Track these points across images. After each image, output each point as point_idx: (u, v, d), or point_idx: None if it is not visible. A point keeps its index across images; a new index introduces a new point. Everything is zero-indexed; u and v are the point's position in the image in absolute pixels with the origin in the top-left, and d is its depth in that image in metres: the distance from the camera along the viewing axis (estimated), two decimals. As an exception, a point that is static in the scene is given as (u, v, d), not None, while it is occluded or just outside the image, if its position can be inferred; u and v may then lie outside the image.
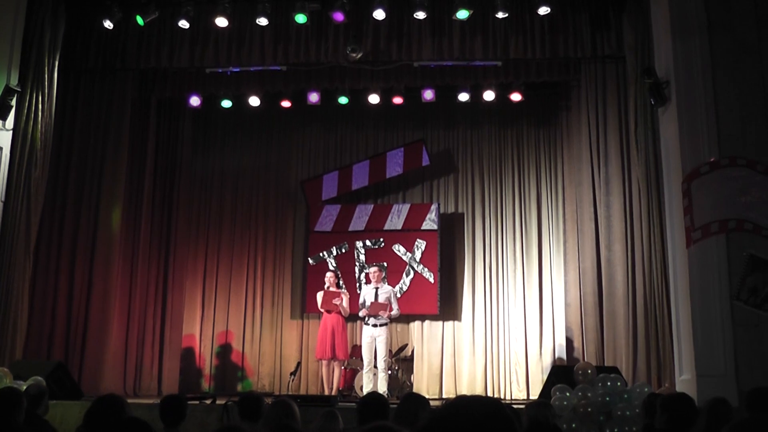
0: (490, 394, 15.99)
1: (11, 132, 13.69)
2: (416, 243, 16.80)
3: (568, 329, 15.76)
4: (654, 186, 13.41)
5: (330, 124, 17.93)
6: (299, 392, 15.81)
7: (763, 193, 10.90)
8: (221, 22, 14.28)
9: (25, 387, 8.66)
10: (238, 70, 15.69)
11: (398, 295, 15.50)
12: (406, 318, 16.32)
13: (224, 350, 17.08)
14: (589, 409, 10.27)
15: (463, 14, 14.11)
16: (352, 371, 15.34)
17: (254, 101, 16.48)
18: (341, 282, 16.13)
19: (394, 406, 6.35)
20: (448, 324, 16.74)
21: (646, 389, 10.55)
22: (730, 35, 11.62)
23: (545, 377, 13.56)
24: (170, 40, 14.92)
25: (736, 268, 10.88)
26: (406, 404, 6.61)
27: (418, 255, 16.76)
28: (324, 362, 14.64)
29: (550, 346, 16.21)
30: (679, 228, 11.66)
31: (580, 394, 10.56)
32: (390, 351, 14.89)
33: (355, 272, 16.97)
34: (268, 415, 6.27)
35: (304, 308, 16.90)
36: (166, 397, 7.16)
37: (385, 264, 16.62)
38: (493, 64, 15.41)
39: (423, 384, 16.19)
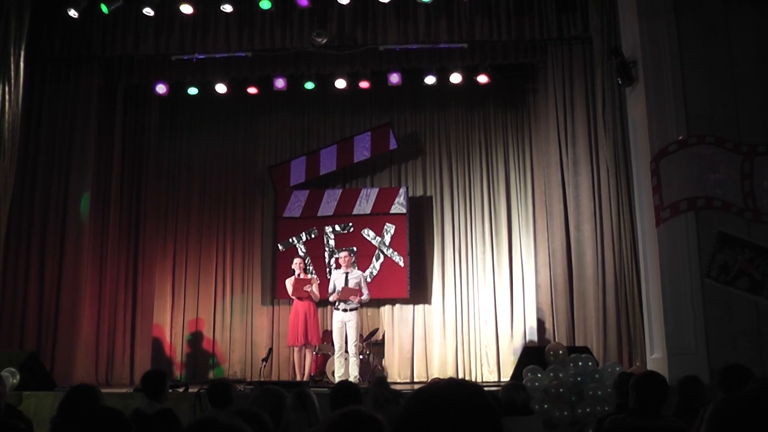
0: (461, 376, 15.99)
1: (-23, 122, 13.59)
2: (385, 227, 16.77)
3: (538, 310, 15.82)
4: (622, 166, 13.47)
5: (297, 110, 17.83)
6: (271, 378, 15.77)
7: (731, 171, 10.96)
8: (186, 9, 14.27)
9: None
10: (203, 56, 15.64)
11: (368, 280, 15.51)
12: (376, 302, 16.29)
13: (195, 338, 17.01)
14: (561, 390, 10.32)
15: (428, -3, 14.15)
16: (324, 357, 15.33)
17: (221, 88, 16.38)
18: (310, 267, 16.15)
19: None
20: (419, 307, 16.73)
21: (617, 369, 10.63)
22: (697, 15, 11.65)
23: (516, 359, 13.59)
24: (135, 27, 14.88)
25: (706, 245, 10.93)
26: (375, 390, 6.66)
27: (387, 239, 16.74)
28: (296, 348, 14.65)
29: (521, 327, 16.24)
30: (648, 207, 11.72)
31: (551, 374, 10.61)
32: (361, 335, 14.92)
33: (324, 257, 16.91)
34: (256, 402, 6.26)
35: (275, 294, 16.82)
36: (147, 372, 7.47)
37: (355, 248, 16.59)
38: (458, 47, 15.42)
39: (394, 368, 16.20)
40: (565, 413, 10.24)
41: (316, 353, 15.18)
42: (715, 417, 2.26)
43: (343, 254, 14.76)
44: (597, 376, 10.56)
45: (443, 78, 16.20)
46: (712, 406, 2.30)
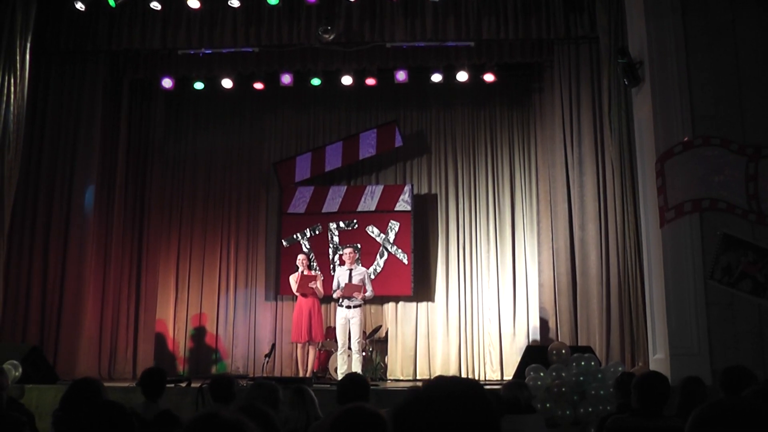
0: (464, 374, 15.98)
1: (-17, 115, 13.60)
2: (390, 224, 16.75)
3: (541, 309, 15.77)
4: (627, 166, 13.46)
5: (303, 106, 17.82)
6: (274, 374, 15.77)
7: (736, 172, 10.95)
8: (193, 3, 14.27)
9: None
10: (210, 51, 15.67)
11: (372, 277, 15.44)
12: (380, 299, 16.27)
13: (198, 333, 17.02)
14: (563, 389, 10.33)
15: (436, -6, 14.15)
16: (327, 353, 15.31)
17: (227, 83, 16.37)
18: (314, 264, 16.14)
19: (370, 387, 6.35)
20: (422, 305, 16.72)
21: (619, 369, 10.61)
22: (704, 16, 11.62)
23: (519, 358, 13.58)
24: (142, 21, 14.87)
25: (710, 247, 10.92)
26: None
27: (391, 236, 16.73)
28: (299, 344, 14.65)
29: (524, 326, 16.23)
30: (652, 208, 11.70)
31: (554, 374, 10.61)
32: (364, 332, 14.86)
33: (328, 254, 16.91)
34: (249, 396, 6.25)
35: (278, 290, 16.81)
36: (147, 370, 7.43)
37: (359, 245, 16.56)
38: (466, 45, 15.42)
39: (397, 365, 16.20)
40: (568, 412, 10.25)
41: (320, 349, 15.17)
42: (693, 425, 2.28)
43: (347, 251, 14.70)
44: (599, 375, 10.56)
45: (450, 76, 16.17)
46: (693, 414, 2.32)
